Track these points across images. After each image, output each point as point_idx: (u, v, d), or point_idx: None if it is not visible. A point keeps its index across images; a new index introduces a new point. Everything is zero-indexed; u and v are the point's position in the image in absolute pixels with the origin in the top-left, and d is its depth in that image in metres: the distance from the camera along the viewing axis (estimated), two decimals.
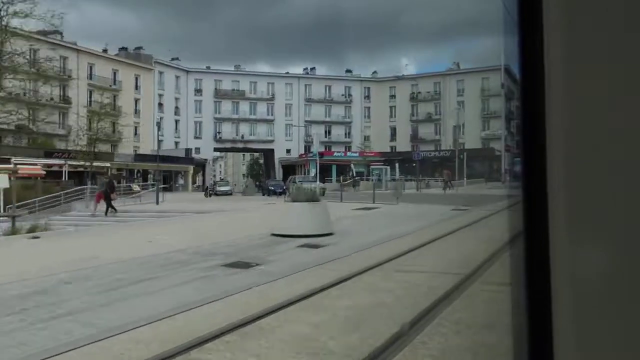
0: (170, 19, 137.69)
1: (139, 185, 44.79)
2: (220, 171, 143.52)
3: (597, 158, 0.74)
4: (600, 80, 0.74)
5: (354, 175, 52.69)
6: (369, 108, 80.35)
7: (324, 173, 64.66)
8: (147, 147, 64.51)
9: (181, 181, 59.51)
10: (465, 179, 39.60)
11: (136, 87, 65.21)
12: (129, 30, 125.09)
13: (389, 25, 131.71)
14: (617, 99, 0.74)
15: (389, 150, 77.30)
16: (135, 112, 64.68)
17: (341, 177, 53.14)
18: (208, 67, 78.13)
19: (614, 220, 0.74)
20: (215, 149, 75.54)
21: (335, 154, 65.26)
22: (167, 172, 61.01)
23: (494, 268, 6.70)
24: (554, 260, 0.76)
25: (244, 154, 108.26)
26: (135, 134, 64.43)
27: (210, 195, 41.09)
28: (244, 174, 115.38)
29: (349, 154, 68.41)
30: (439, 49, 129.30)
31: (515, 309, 0.96)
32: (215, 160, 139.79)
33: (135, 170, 57.21)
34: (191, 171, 62.10)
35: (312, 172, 64.56)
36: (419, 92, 77.02)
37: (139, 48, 69.08)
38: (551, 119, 0.77)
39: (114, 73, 62.27)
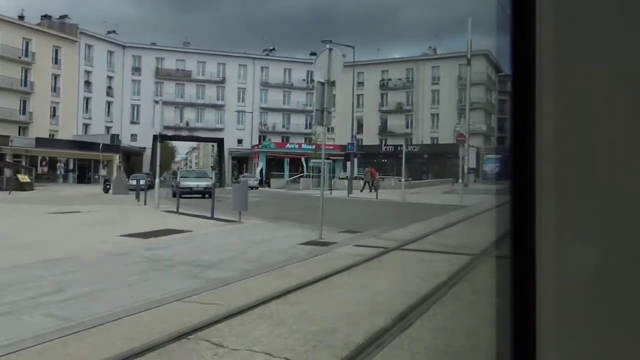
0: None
1: (28, 177, 35.62)
2: (195, 163, 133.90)
3: (587, 158, 0.75)
4: (591, 80, 0.75)
5: (305, 170, 44.46)
6: (333, 95, 71.71)
7: (277, 168, 56.32)
8: (70, 131, 55.14)
9: (103, 172, 50.31)
10: (403, 179, 31.41)
11: (55, 61, 55.56)
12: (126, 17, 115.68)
13: (381, 21, 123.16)
14: (608, 98, 0.74)
15: (354, 142, 69.11)
16: (54, 90, 55.14)
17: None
18: (154, 44, 68.54)
19: (601, 221, 0.74)
20: (155, 136, 66.04)
21: (288, 145, 56.62)
22: (85, 161, 51.72)
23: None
24: (540, 260, 0.77)
25: (213, 145, 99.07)
26: (54, 115, 54.91)
27: (108, 191, 32.10)
28: (212, 167, 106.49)
29: (304, 146, 59.98)
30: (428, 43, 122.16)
31: (499, 309, 0.99)
32: (192, 150, 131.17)
33: (40, 158, 47.74)
34: (116, 161, 52.88)
35: (260, 167, 56.30)
36: (389, 79, 68.82)
37: (64, 17, 59.33)
38: (541, 118, 0.77)
39: (26, 43, 52.53)
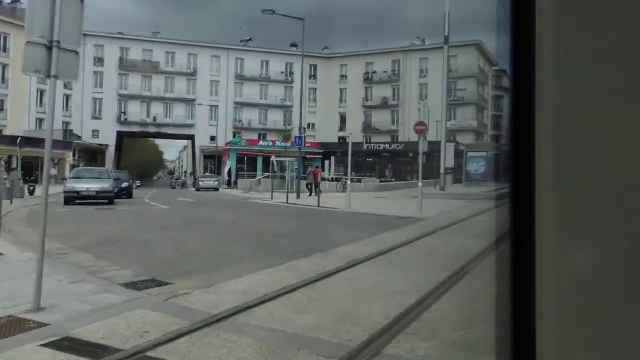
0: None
1: None
2: (183, 163, 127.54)
3: (586, 158, 0.76)
4: (591, 79, 0.75)
5: (275, 170, 39.72)
6: (314, 89, 67.18)
7: (252, 167, 51.54)
8: (20, 126, 49.88)
9: (54, 171, 45.11)
10: (349, 180, 27.07)
11: (3, 49, 50.32)
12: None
13: (377, 17, 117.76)
14: (608, 98, 0.75)
15: (336, 140, 64.48)
16: (2, 81, 49.89)
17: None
18: (120, 33, 63.27)
19: (601, 220, 0.75)
20: (119, 133, 60.94)
21: (261, 143, 51.75)
22: (32, 159, 46.41)
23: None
24: (540, 260, 0.77)
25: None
26: (1, 109, 49.65)
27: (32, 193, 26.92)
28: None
29: (278, 143, 55.26)
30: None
31: (499, 308, 0.99)
32: (184, 149, 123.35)
33: None
34: (69, 159, 47.81)
35: (228, 166, 51.48)
36: (374, 72, 64.18)
37: (16, 1, 54.02)
38: (541, 117, 0.77)
39: None
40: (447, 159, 31.45)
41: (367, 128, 64.26)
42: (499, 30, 0.97)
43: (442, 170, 28.45)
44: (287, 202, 23.48)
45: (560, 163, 0.76)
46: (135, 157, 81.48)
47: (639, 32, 0.73)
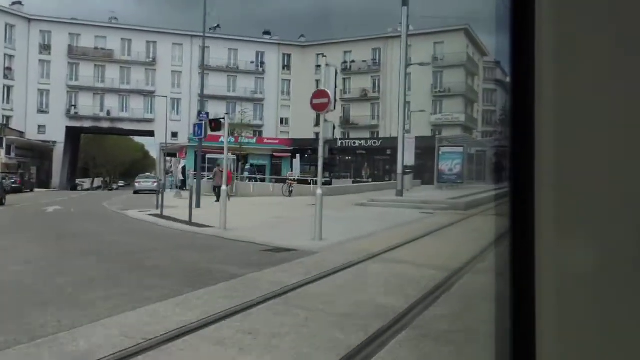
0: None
1: None
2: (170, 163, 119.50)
3: (586, 158, 0.76)
4: (590, 79, 0.76)
5: (245, 169, 34.46)
6: (288, 81, 61.70)
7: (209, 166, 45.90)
8: None
9: None
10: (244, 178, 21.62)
11: None
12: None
13: (374, 14, 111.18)
14: (608, 98, 0.75)
15: (312, 137, 59.02)
16: None
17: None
18: (74, 19, 57.25)
19: (601, 220, 0.76)
20: (69, 129, 55.02)
21: (221, 139, 46.06)
22: None
23: None
24: (540, 259, 0.78)
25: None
26: None
27: None
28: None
29: (241, 139, 49.80)
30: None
31: (499, 306, 1.01)
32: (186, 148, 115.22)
33: None
34: (1, 157, 42.03)
35: (182, 164, 45.87)
36: (353, 62, 58.76)
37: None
38: (541, 117, 0.78)
39: None
40: (407, 156, 24.91)
41: (346, 123, 58.90)
42: (498, 30, 0.97)
43: (399, 170, 22.41)
44: (161, 215, 16.88)
45: (560, 162, 0.76)
46: (113, 155, 75.50)
47: (638, 32, 0.73)
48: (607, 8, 0.74)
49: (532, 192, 0.78)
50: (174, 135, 56.07)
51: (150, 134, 56.42)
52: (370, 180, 42.98)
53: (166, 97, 49.56)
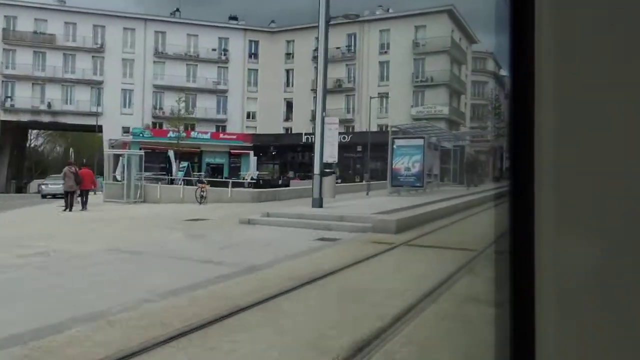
0: None
1: None
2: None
3: (586, 157, 0.77)
4: (590, 78, 0.77)
5: (169, 168, 28.86)
6: (256, 71, 56.09)
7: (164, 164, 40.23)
8: None
9: None
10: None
11: None
12: None
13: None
14: (607, 97, 0.76)
15: (282, 131, 53.61)
16: None
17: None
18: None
19: (600, 219, 0.76)
20: (4, 123, 48.90)
21: (170, 134, 40.33)
22: None
23: None
24: (539, 259, 0.78)
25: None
26: None
27: None
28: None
29: (194, 134, 44.39)
30: None
31: (498, 307, 1.00)
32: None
33: None
34: None
35: (121, 163, 40.01)
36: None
37: None
38: (540, 117, 0.78)
39: None
40: (329, 150, 17.04)
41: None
42: (498, 30, 0.97)
43: (316, 170, 16.09)
44: None
45: (560, 162, 0.77)
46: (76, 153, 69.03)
47: (638, 32, 0.73)
48: (607, 8, 0.74)
49: (532, 192, 0.78)
50: (126, 131, 50.20)
51: (98, 129, 50.44)
52: (339, 180, 37.58)
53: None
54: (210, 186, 23.20)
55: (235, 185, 24.37)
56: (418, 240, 11.13)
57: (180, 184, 25.94)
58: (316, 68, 54.36)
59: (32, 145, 68.95)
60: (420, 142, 22.55)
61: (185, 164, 32.12)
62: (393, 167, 22.59)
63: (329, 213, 14.15)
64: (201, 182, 24.39)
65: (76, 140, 66.36)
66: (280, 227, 13.25)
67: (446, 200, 19.20)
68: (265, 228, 13.27)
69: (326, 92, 17.23)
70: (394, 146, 22.77)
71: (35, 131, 64.29)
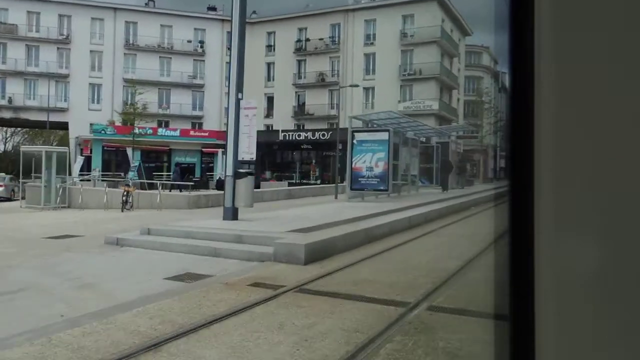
0: None
1: None
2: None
3: (585, 157, 0.77)
4: (589, 78, 0.77)
5: (130, 169, 25.89)
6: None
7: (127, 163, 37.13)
8: None
9: None
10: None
11: None
12: None
13: None
14: (607, 97, 0.76)
15: (263, 128, 50.41)
16: None
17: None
18: None
19: (600, 219, 0.76)
20: None
21: (132, 131, 37.14)
22: None
23: None
24: (539, 259, 0.78)
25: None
26: None
27: None
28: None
29: (161, 130, 41.20)
30: None
31: (498, 307, 1.02)
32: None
33: None
34: None
35: (78, 162, 37.07)
36: (308, 40, 50.16)
37: None
38: (540, 117, 0.78)
39: None
40: (246, 145, 12.53)
41: (300, 113, 50.34)
42: (498, 30, 0.97)
43: (228, 172, 11.74)
44: None
45: (560, 162, 0.77)
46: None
47: (638, 32, 0.73)
48: (607, 8, 0.74)
49: (531, 192, 0.78)
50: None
51: (64, 126, 47.14)
52: (318, 182, 34.57)
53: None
54: (168, 190, 20.07)
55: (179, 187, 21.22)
56: (325, 280, 7.57)
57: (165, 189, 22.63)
58: (298, 62, 51.50)
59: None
60: (384, 135, 18.97)
61: (136, 163, 28.97)
62: (353, 166, 19.15)
63: (229, 231, 10.77)
64: (127, 184, 21.20)
65: (47, 138, 63.12)
66: (156, 250, 10.11)
67: (416, 207, 16.11)
68: (128, 253, 10.03)
69: (243, 68, 13.46)
70: (354, 141, 19.31)
71: (10, 129, 61.08)
